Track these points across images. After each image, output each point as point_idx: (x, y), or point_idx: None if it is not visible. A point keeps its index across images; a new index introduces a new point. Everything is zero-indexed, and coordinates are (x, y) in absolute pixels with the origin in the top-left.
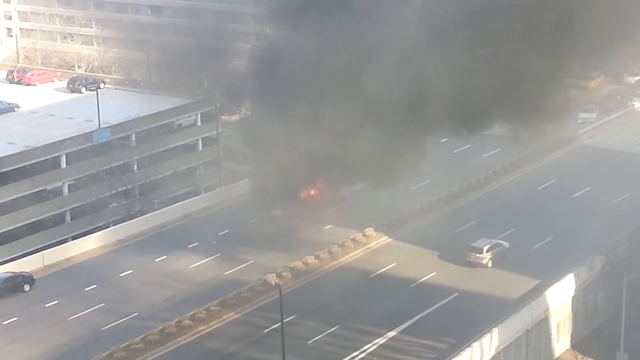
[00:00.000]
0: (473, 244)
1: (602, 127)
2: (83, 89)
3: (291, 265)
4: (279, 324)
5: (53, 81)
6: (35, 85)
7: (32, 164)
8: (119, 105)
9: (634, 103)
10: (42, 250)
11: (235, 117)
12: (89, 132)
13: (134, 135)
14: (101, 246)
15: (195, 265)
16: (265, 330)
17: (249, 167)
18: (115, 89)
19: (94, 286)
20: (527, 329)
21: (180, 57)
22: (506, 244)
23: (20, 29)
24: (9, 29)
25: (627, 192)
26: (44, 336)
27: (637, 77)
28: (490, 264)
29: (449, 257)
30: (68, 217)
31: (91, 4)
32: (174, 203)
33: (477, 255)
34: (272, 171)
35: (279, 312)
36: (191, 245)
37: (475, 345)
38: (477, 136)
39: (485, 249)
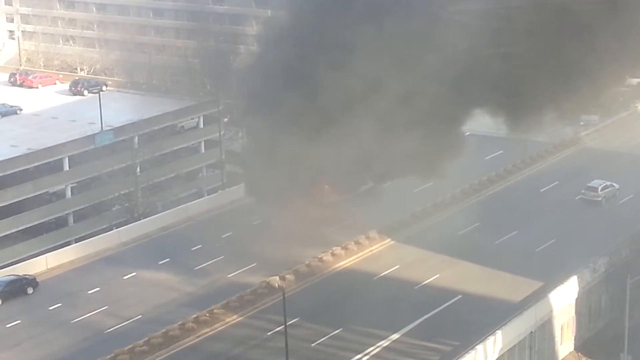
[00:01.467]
0: (589, 184)
1: (604, 129)
2: (85, 92)
3: (294, 268)
4: (282, 326)
5: (55, 84)
6: (37, 87)
7: (34, 166)
8: (121, 108)
9: (636, 105)
10: (45, 253)
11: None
12: (91, 134)
13: (136, 138)
14: (104, 249)
15: (199, 268)
16: (269, 333)
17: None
18: (118, 91)
19: (97, 289)
20: (531, 332)
21: (183, 59)
22: (617, 185)
23: (22, 31)
24: (11, 32)
25: (631, 194)
26: (47, 339)
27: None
28: (604, 202)
29: (452, 260)
30: (71, 220)
31: (93, 7)
32: (177, 205)
33: (593, 193)
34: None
35: (282, 315)
36: (194, 248)
37: (479, 347)
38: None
39: (600, 188)
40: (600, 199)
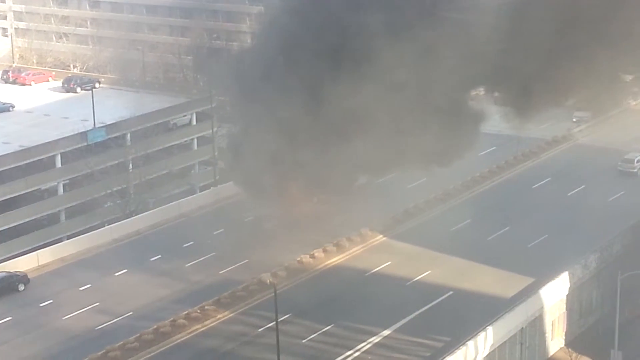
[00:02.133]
0: (625, 157)
1: (597, 125)
2: (78, 89)
3: (286, 264)
4: (274, 322)
5: (48, 81)
6: (30, 84)
7: (27, 163)
8: (114, 105)
9: (628, 101)
10: (37, 249)
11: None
12: (84, 131)
13: (129, 135)
14: (96, 245)
15: (190, 265)
16: (260, 329)
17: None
18: (111, 88)
19: (89, 285)
20: (522, 327)
21: (176, 57)
22: None
23: (15, 28)
24: (4, 29)
25: (622, 191)
26: (38, 336)
27: (632, 76)
28: (639, 173)
29: (444, 256)
30: (63, 217)
31: (86, 4)
32: (169, 202)
33: (629, 165)
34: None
35: (274, 311)
36: (186, 245)
37: (470, 343)
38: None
39: (635, 160)
40: (636, 170)
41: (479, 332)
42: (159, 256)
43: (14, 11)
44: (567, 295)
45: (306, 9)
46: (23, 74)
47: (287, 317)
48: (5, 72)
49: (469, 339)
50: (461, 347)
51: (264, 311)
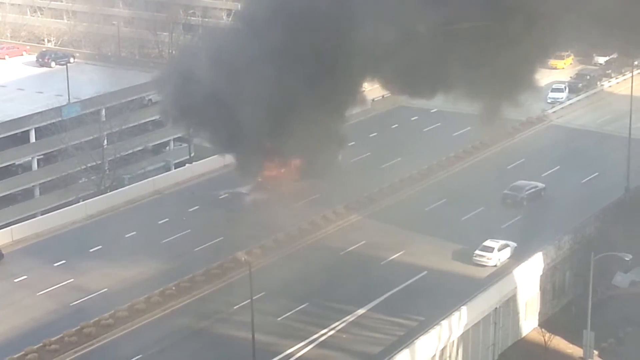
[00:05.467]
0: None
1: (571, 106)
2: (53, 63)
3: (261, 243)
4: (249, 300)
5: (22, 55)
6: (4, 59)
7: (0, 138)
8: (88, 80)
9: (603, 83)
10: (11, 225)
11: None
12: (58, 106)
13: (103, 111)
14: (71, 221)
15: (166, 241)
16: (235, 307)
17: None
18: (85, 63)
19: (63, 261)
20: (496, 308)
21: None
22: None
23: None
24: None
25: (596, 172)
26: (12, 311)
27: (607, 58)
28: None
29: (418, 235)
30: (37, 192)
31: None
32: (144, 179)
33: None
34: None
35: (249, 289)
36: (161, 221)
37: (444, 323)
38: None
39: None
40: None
41: (453, 312)
42: (134, 232)
43: None
44: (540, 276)
45: None
46: None
47: (262, 296)
48: None
49: (443, 319)
50: (435, 326)
51: (239, 289)
